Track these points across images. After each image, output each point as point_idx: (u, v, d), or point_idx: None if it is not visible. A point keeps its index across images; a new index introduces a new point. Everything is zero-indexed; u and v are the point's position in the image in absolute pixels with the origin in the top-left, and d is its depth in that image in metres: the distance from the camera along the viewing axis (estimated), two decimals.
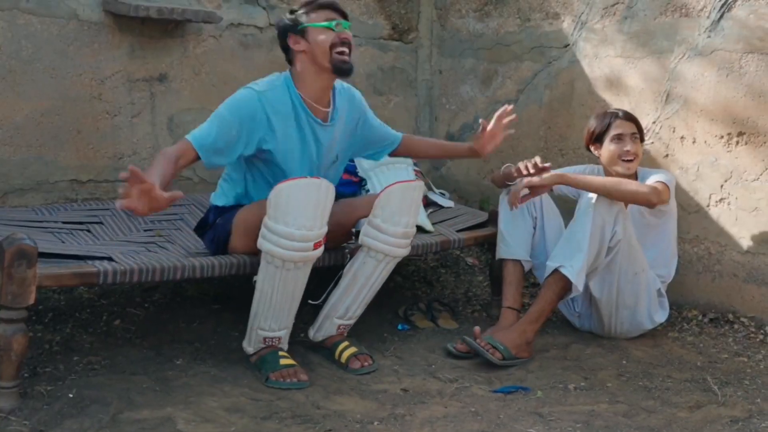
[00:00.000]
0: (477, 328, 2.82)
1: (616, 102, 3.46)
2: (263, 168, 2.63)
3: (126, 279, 2.46)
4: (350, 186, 3.32)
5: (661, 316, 3.03)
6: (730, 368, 2.80)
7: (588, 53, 3.58)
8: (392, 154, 3.05)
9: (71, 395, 2.35)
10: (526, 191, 2.94)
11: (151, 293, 3.24)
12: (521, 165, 2.95)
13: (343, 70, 2.53)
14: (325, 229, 2.48)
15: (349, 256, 2.74)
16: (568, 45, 3.66)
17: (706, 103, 3.20)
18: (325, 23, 2.51)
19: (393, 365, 2.73)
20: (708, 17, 3.18)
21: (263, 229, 2.48)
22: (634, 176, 3.03)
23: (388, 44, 4.11)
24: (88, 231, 2.93)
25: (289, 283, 2.52)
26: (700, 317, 3.22)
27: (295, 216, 2.41)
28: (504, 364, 2.72)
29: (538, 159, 2.94)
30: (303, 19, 2.55)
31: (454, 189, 4.16)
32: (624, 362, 2.83)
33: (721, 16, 3.14)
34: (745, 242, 3.13)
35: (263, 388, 2.51)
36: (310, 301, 2.69)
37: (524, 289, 3.23)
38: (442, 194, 3.73)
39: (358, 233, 2.71)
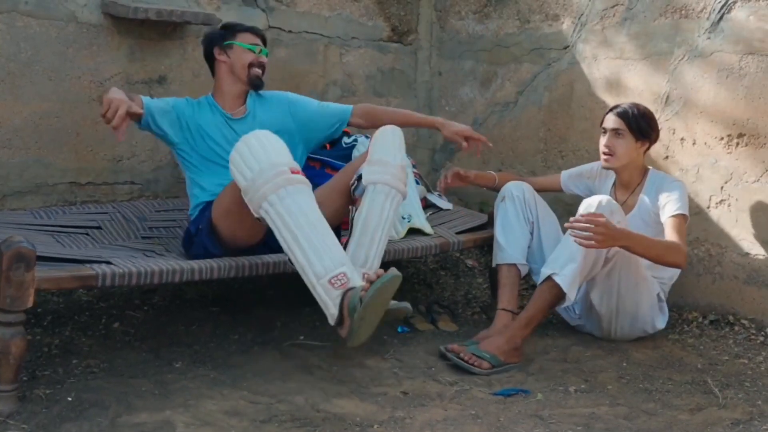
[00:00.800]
0: (454, 346, 2.75)
1: (616, 104, 3.45)
2: (196, 163, 2.94)
3: (125, 282, 2.46)
4: None
5: (661, 322, 3.01)
6: (730, 370, 2.79)
7: (587, 55, 3.58)
8: (359, 127, 3.20)
9: (70, 399, 2.34)
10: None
11: (150, 296, 3.24)
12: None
13: (255, 85, 3.02)
14: (292, 159, 2.55)
15: (354, 208, 2.74)
16: (568, 47, 3.66)
17: (706, 104, 3.19)
18: (249, 45, 2.99)
19: (393, 368, 2.72)
20: (708, 19, 3.17)
21: (244, 197, 2.52)
22: (640, 174, 3.00)
23: (387, 46, 4.11)
24: (87, 234, 2.92)
25: (299, 213, 2.45)
26: (700, 319, 3.21)
27: (258, 159, 2.50)
28: (494, 372, 2.68)
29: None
30: (231, 37, 3.00)
31: (454, 191, 4.16)
32: (624, 364, 2.82)
33: (721, 18, 3.14)
34: (746, 244, 3.12)
35: (263, 390, 2.50)
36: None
37: (524, 292, 3.22)
38: (440, 196, 3.72)
39: (358, 181, 2.73)
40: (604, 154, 2.97)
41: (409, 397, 2.50)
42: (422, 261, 3.79)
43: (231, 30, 3.01)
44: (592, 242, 2.56)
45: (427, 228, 3.21)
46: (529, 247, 3.10)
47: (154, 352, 2.75)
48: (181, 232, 3.09)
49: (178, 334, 2.93)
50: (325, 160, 3.46)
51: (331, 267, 2.42)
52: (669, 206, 2.87)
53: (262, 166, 2.48)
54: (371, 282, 2.36)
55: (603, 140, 2.98)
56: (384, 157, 2.74)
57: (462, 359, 2.69)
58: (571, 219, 2.62)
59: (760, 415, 2.43)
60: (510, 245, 3.02)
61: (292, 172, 2.51)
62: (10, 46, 3.12)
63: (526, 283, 3.37)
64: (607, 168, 3.01)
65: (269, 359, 2.74)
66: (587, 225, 2.56)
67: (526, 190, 3.09)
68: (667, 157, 3.31)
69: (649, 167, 3.05)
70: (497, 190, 3.25)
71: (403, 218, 3.16)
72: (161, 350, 2.77)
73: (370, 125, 3.13)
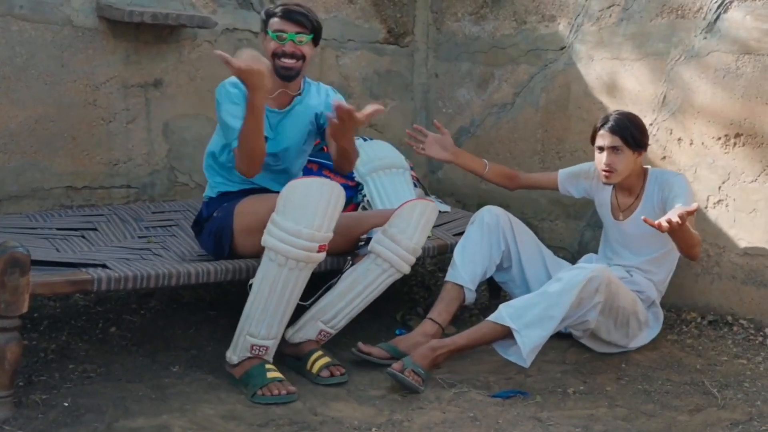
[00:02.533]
0: (396, 365, 2.56)
1: (613, 105, 3.45)
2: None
3: (120, 286, 2.45)
4: (347, 191, 3.31)
5: (654, 331, 2.98)
6: (729, 371, 2.78)
7: (584, 55, 3.58)
8: None
9: (66, 404, 2.33)
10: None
11: (147, 300, 3.23)
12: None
13: (281, 76, 2.71)
14: (331, 234, 2.51)
15: (351, 261, 2.73)
16: (565, 47, 3.65)
17: (703, 104, 3.19)
18: (272, 33, 2.69)
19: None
20: (704, 19, 3.17)
21: (270, 226, 2.49)
22: (641, 177, 2.96)
23: (384, 48, 4.10)
24: (83, 237, 2.91)
25: (288, 285, 2.50)
26: (698, 320, 3.20)
27: (305, 214, 2.45)
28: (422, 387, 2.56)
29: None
30: (266, 23, 2.74)
31: (452, 193, 4.15)
32: (623, 366, 2.81)
33: (717, 18, 3.14)
34: (744, 244, 3.11)
35: None
36: (299, 302, 2.62)
37: (459, 312, 3.07)
38: (437, 198, 3.72)
39: (367, 241, 2.73)
40: (605, 171, 2.90)
41: (407, 399, 2.49)
42: (420, 263, 3.79)
43: (269, 14, 2.73)
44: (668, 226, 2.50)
45: None
46: (506, 269, 3.06)
47: (151, 356, 2.74)
48: (179, 230, 3.08)
49: (176, 338, 2.92)
50: (323, 162, 3.46)
51: (264, 335, 2.53)
52: (676, 202, 2.83)
53: (302, 230, 2.44)
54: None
55: (601, 158, 2.90)
56: (398, 236, 2.68)
57: (407, 377, 2.52)
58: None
59: (759, 416, 2.43)
60: (463, 268, 2.94)
61: (320, 250, 2.48)
62: (5, 50, 3.12)
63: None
64: (609, 184, 2.97)
65: None
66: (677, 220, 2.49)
67: (500, 217, 3.01)
68: (664, 157, 3.30)
69: (648, 167, 3.04)
70: (485, 179, 3.29)
71: None
72: (158, 354, 2.76)
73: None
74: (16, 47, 3.14)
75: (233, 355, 2.55)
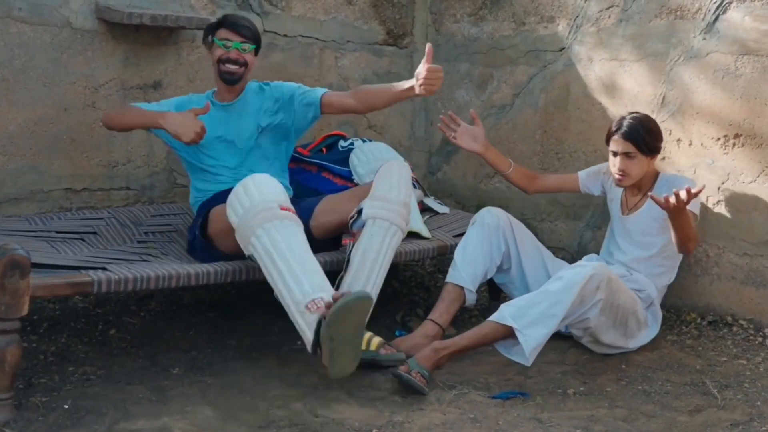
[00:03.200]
0: (404, 367, 2.54)
1: (613, 106, 3.45)
2: (195, 160, 3.00)
3: (120, 288, 2.45)
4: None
5: (652, 331, 2.97)
6: (729, 371, 2.78)
7: (583, 56, 3.58)
8: (354, 112, 3.11)
9: (67, 406, 2.33)
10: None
11: (146, 302, 3.22)
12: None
13: (226, 80, 2.98)
14: (283, 198, 2.59)
15: (352, 243, 2.73)
16: (564, 48, 3.66)
17: (702, 105, 3.19)
18: (219, 41, 2.95)
19: (391, 372, 2.70)
20: (703, 19, 3.17)
21: (237, 237, 2.59)
22: (652, 178, 2.97)
23: (383, 49, 4.10)
24: (82, 240, 2.91)
25: (282, 244, 2.49)
26: (698, 320, 3.20)
27: (248, 198, 2.57)
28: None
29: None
30: (212, 32, 3.00)
31: (451, 194, 4.15)
32: (623, 366, 2.81)
33: (716, 18, 3.14)
34: (743, 244, 3.11)
35: (261, 396, 2.49)
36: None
37: (459, 313, 3.07)
38: (436, 200, 3.71)
39: (358, 214, 2.73)
40: (618, 176, 2.92)
41: (408, 401, 2.49)
42: (419, 264, 3.79)
43: (215, 25, 3.00)
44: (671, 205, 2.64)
45: (424, 232, 3.21)
46: (506, 270, 3.06)
47: (151, 358, 2.74)
48: (177, 236, 3.08)
49: (175, 339, 2.92)
50: (322, 164, 3.46)
51: (309, 292, 2.41)
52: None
53: (253, 203, 2.55)
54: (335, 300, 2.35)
55: (614, 162, 2.91)
56: (386, 194, 2.75)
57: (414, 378, 2.51)
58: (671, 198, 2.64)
59: (759, 416, 2.43)
60: (464, 269, 2.95)
61: (281, 209, 2.54)
62: (4, 52, 3.12)
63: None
64: (622, 187, 2.99)
65: (267, 365, 2.73)
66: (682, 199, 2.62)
67: (501, 218, 3.02)
68: (663, 158, 3.30)
69: (660, 172, 3.04)
70: (507, 178, 3.25)
71: None
72: (158, 356, 2.75)
73: (365, 108, 3.04)
74: (14, 49, 3.14)
75: (307, 334, 2.40)
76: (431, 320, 2.87)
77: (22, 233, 2.86)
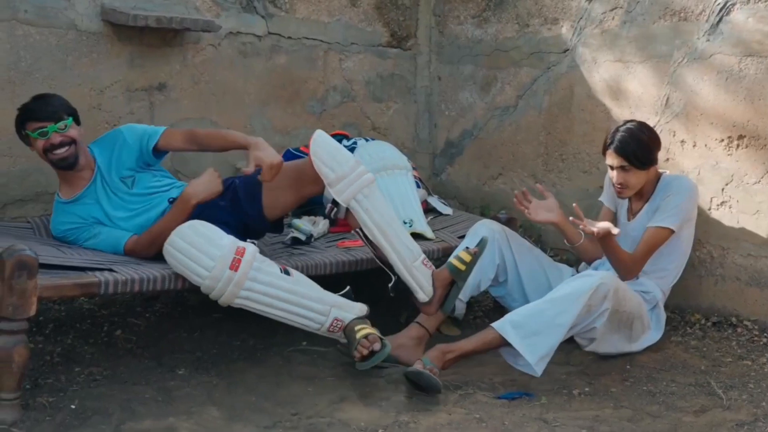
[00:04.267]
0: (432, 368, 2.55)
1: (617, 107, 3.46)
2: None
3: (127, 288, 2.46)
4: None
5: (656, 334, 2.97)
6: (734, 372, 2.78)
7: (587, 58, 3.59)
8: (183, 151, 3.03)
9: (73, 406, 2.34)
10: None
11: (152, 303, 3.23)
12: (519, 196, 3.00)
13: (62, 167, 2.77)
14: (225, 248, 2.49)
15: (359, 231, 2.74)
16: (567, 50, 3.66)
17: (706, 106, 3.20)
18: (33, 133, 2.72)
19: (396, 372, 2.71)
20: (707, 21, 3.18)
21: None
22: (654, 183, 2.95)
23: (386, 51, 4.11)
24: None
25: (272, 294, 2.53)
26: (703, 321, 3.21)
27: (193, 269, 2.50)
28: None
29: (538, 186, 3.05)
30: (24, 129, 2.76)
31: (455, 195, 4.16)
32: (628, 367, 2.82)
33: (720, 20, 3.14)
34: (747, 245, 3.12)
35: (266, 396, 2.49)
36: (389, 285, 2.72)
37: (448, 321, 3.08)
38: (440, 200, 3.72)
39: (332, 209, 2.72)
40: (618, 189, 2.90)
41: (413, 401, 2.49)
42: None
43: (21, 121, 2.76)
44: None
45: (428, 233, 3.21)
46: (502, 282, 3.05)
47: (157, 359, 2.75)
48: None
49: (181, 340, 2.92)
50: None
51: (323, 311, 2.58)
52: (658, 215, 2.86)
53: (201, 277, 2.50)
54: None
55: (612, 175, 2.89)
56: (338, 172, 2.67)
57: (429, 371, 2.52)
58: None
59: (764, 416, 2.43)
60: None
61: (235, 264, 2.49)
62: (10, 54, 3.13)
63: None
64: (624, 198, 2.98)
65: (272, 365, 2.74)
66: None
67: (495, 231, 2.99)
68: (667, 159, 3.31)
69: (662, 172, 3.02)
70: (575, 248, 3.05)
71: (405, 223, 3.15)
72: (164, 357, 2.76)
73: (198, 148, 2.92)
74: (20, 51, 3.15)
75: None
76: (418, 323, 2.86)
77: (27, 235, 2.86)
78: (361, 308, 2.65)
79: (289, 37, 3.79)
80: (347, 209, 2.69)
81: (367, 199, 2.69)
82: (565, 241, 3.05)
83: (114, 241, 2.75)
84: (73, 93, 3.26)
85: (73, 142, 2.74)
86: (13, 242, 2.39)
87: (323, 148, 2.70)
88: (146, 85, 3.44)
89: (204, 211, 2.72)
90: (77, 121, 2.79)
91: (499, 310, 3.27)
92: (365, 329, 2.57)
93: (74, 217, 2.79)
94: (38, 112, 2.74)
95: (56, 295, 2.41)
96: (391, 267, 2.71)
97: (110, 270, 2.50)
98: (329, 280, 2.77)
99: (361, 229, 2.71)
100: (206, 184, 2.74)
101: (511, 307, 3.07)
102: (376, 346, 2.53)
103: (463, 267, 2.71)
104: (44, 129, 2.71)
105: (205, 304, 3.26)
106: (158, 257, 2.62)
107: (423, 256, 2.72)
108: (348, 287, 2.71)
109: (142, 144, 2.87)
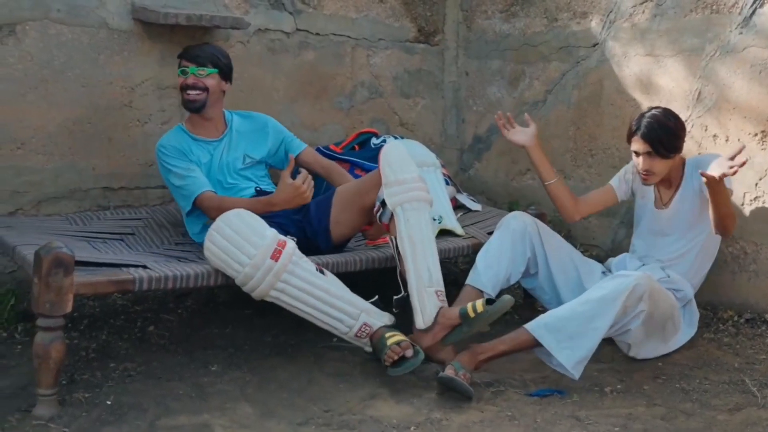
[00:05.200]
0: (460, 373, 2.52)
1: (647, 102, 3.43)
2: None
3: (161, 285, 2.49)
4: None
5: (689, 332, 2.94)
6: None
7: (617, 52, 3.55)
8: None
9: (109, 402, 2.37)
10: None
11: (183, 299, 3.26)
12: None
13: (188, 108, 2.99)
14: (268, 238, 2.53)
15: (393, 239, 2.75)
16: (597, 44, 3.63)
17: (739, 100, 3.16)
18: (178, 70, 2.99)
19: (426, 369, 2.71)
20: (740, 13, 3.14)
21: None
22: (680, 169, 2.93)
23: (414, 47, 4.11)
24: (122, 240, 2.95)
25: (307, 290, 2.54)
26: (736, 318, 3.17)
27: (235, 255, 2.53)
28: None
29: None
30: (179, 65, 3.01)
31: (482, 191, 4.15)
32: (660, 365, 2.80)
33: (753, 12, 3.10)
34: None
35: (298, 392, 2.51)
36: (394, 297, 2.72)
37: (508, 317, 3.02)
38: (472, 199, 3.71)
39: (379, 208, 2.76)
40: (644, 175, 2.87)
41: (445, 398, 2.49)
42: (453, 262, 3.79)
43: (179, 56, 3.02)
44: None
45: (458, 229, 3.21)
46: (533, 275, 3.02)
47: (190, 354, 2.78)
48: None
49: (213, 336, 2.95)
50: (354, 161, 3.48)
51: (353, 314, 2.60)
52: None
53: (243, 263, 2.52)
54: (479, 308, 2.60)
55: (638, 162, 2.86)
56: (399, 176, 2.75)
57: (462, 379, 2.50)
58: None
59: None
60: (485, 272, 2.90)
61: (276, 255, 2.52)
62: (43, 53, 3.16)
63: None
64: (649, 185, 2.95)
65: (304, 361, 2.76)
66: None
67: (527, 223, 2.97)
68: (699, 153, 3.27)
69: (685, 158, 2.99)
70: (547, 189, 3.10)
71: (434, 219, 3.15)
72: (196, 353, 2.79)
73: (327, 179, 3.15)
74: (53, 50, 3.18)
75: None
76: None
77: (62, 232, 2.90)
78: (390, 318, 2.66)
79: (317, 34, 3.80)
80: (392, 215, 2.72)
81: (413, 211, 2.71)
82: (539, 179, 3.13)
83: (196, 186, 2.85)
84: (105, 91, 3.30)
85: (206, 89, 2.94)
86: (50, 239, 2.42)
87: (394, 153, 2.81)
88: (177, 83, 3.45)
89: (274, 218, 2.78)
90: (224, 78, 3.01)
91: (528, 306, 3.27)
92: (397, 336, 2.57)
93: (186, 145, 2.94)
94: (189, 52, 2.98)
95: (92, 292, 2.44)
96: (406, 284, 2.70)
97: (144, 267, 2.53)
98: (356, 280, 2.78)
99: (395, 239, 2.72)
100: (294, 198, 2.75)
101: (542, 300, 3.06)
102: (408, 353, 2.53)
103: (473, 315, 2.60)
104: (186, 68, 2.95)
105: (236, 299, 3.29)
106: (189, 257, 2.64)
107: (441, 288, 2.68)
108: (376, 296, 2.71)
109: (280, 143, 3.11)
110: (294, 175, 2.80)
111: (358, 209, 2.87)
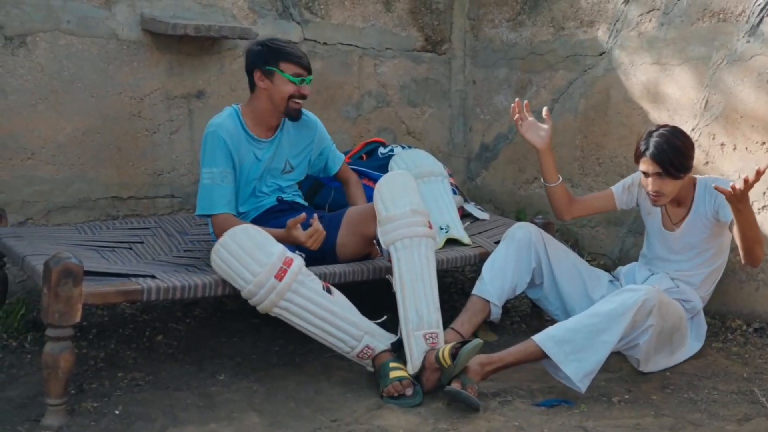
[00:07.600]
0: (460, 384, 2.52)
1: (654, 110, 3.43)
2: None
3: (168, 296, 2.49)
4: None
5: (696, 345, 2.93)
6: None
7: (624, 61, 3.56)
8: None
9: (117, 412, 2.38)
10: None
11: (191, 308, 3.28)
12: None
13: (293, 117, 2.88)
14: (274, 256, 2.52)
15: (389, 277, 2.74)
16: (604, 53, 3.64)
17: (746, 109, 3.15)
18: (292, 77, 2.80)
19: None
20: (747, 22, 3.14)
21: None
22: (690, 188, 2.89)
23: (421, 56, 4.12)
24: (130, 249, 2.96)
25: (311, 309, 2.54)
26: (744, 327, 3.17)
27: (240, 272, 2.52)
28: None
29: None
30: (273, 63, 2.81)
31: (490, 199, 4.15)
32: (668, 374, 2.79)
33: (761, 21, 3.10)
34: None
35: (306, 402, 2.52)
36: (394, 351, 2.64)
37: (486, 326, 3.06)
38: (479, 208, 3.71)
39: (378, 242, 2.75)
40: (654, 196, 2.82)
41: (452, 408, 2.49)
42: (460, 270, 3.79)
43: (275, 55, 2.81)
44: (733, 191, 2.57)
45: (465, 238, 3.21)
46: (539, 285, 3.00)
47: (197, 364, 2.78)
48: None
49: (220, 346, 2.96)
50: (363, 170, 3.48)
51: (356, 336, 2.59)
52: (725, 211, 2.78)
53: (250, 282, 2.51)
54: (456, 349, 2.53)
55: (647, 182, 2.81)
56: (391, 212, 2.68)
57: (470, 393, 2.48)
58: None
59: None
60: (491, 283, 2.90)
61: (281, 274, 2.51)
62: (53, 64, 3.19)
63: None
64: (659, 206, 2.91)
65: (311, 371, 2.76)
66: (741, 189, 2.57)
67: (533, 233, 2.96)
68: (707, 162, 3.27)
69: (696, 177, 2.98)
70: (549, 191, 3.08)
71: (441, 229, 3.16)
72: (204, 362, 2.80)
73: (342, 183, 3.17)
74: (63, 61, 3.21)
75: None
76: (452, 328, 2.83)
77: (71, 242, 2.92)
78: (395, 339, 2.65)
79: (325, 43, 3.82)
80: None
81: (404, 250, 2.66)
82: (542, 179, 3.09)
83: (220, 202, 2.75)
84: (114, 101, 3.33)
85: (305, 98, 2.86)
86: (59, 249, 2.44)
87: (387, 186, 2.74)
88: (185, 93, 3.48)
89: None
90: None
91: (536, 315, 3.27)
92: (400, 372, 2.55)
93: (236, 141, 2.81)
94: (303, 59, 2.83)
95: (100, 301, 2.45)
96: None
97: (152, 277, 2.54)
98: (369, 293, 2.78)
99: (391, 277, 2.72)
100: (310, 243, 2.69)
101: (548, 310, 3.05)
102: (408, 392, 2.52)
103: (446, 365, 2.52)
104: (305, 78, 2.82)
105: (244, 309, 3.29)
106: (197, 265, 2.64)
107: (432, 330, 2.59)
108: (385, 316, 2.70)
109: (320, 153, 3.04)
110: (305, 226, 2.71)
111: (361, 237, 2.84)
